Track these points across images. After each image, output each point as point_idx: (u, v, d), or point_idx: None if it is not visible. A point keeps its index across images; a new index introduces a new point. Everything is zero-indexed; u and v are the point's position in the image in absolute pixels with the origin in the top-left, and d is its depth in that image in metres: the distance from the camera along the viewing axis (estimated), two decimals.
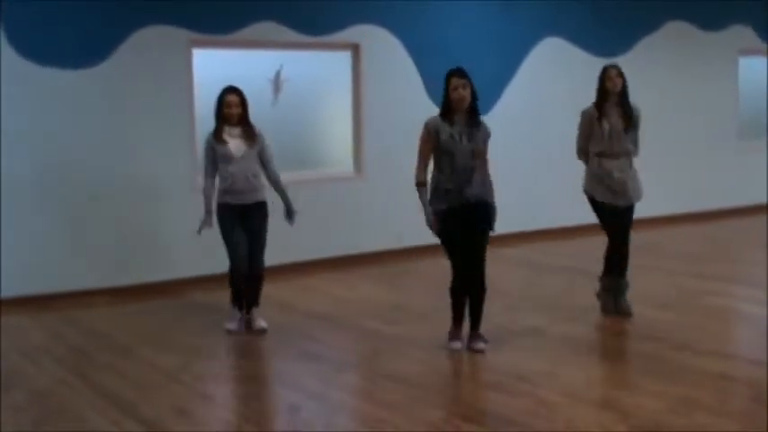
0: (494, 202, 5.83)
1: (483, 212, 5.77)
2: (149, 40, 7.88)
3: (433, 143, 5.76)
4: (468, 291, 5.92)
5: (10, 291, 7.34)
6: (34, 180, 7.46)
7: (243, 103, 6.44)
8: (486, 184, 5.81)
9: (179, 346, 6.29)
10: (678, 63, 11.50)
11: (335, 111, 9.08)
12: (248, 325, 6.54)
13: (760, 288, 7.46)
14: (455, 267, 5.88)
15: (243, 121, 6.43)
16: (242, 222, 6.46)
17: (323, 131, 8.98)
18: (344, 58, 9.11)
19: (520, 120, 9.82)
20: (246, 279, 6.52)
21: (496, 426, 4.59)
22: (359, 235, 8.47)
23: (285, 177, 8.06)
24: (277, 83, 8.61)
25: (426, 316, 6.71)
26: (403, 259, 8.75)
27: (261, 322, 6.52)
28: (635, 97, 10.98)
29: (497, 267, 7.80)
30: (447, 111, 5.77)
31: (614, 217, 6.56)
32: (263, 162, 6.56)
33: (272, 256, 8.44)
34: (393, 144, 8.57)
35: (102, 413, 4.87)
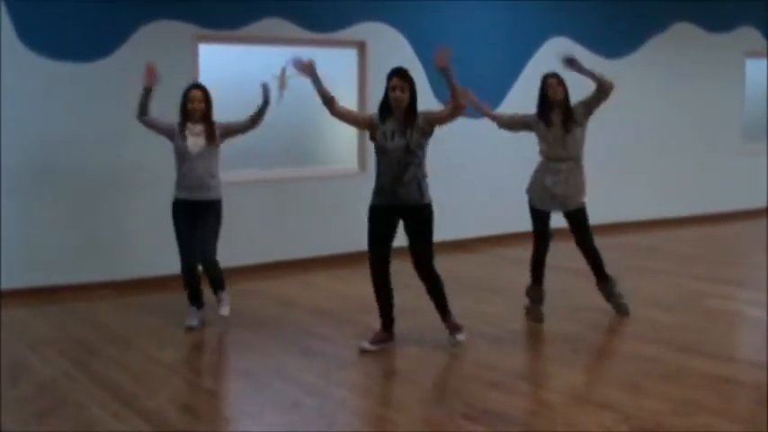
0: (429, 202, 5.87)
1: (416, 211, 5.83)
2: (156, 35, 7.90)
3: (367, 127, 5.92)
4: (426, 288, 6.00)
5: (14, 283, 7.37)
6: (39, 172, 7.48)
7: (206, 99, 6.45)
8: (420, 184, 5.83)
9: (180, 340, 6.31)
10: (684, 64, 11.50)
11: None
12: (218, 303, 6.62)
13: (762, 291, 7.46)
14: (371, 267, 5.96)
15: (205, 118, 6.43)
16: (194, 220, 6.47)
17: (328, 128, 8.97)
18: (351, 55, 9.12)
19: None
20: (203, 269, 6.57)
21: (497, 425, 4.59)
22: (362, 232, 8.48)
23: (291, 173, 8.10)
24: (282, 79, 8.59)
25: (427, 314, 6.70)
26: (405, 257, 8.75)
27: (223, 309, 6.58)
28: (640, 98, 11.06)
29: (497, 267, 7.84)
30: (385, 109, 5.82)
31: (539, 222, 6.59)
32: (237, 130, 6.54)
33: (274, 253, 8.51)
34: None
35: (105, 406, 4.88)
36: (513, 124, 6.77)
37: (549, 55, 10.25)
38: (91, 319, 6.85)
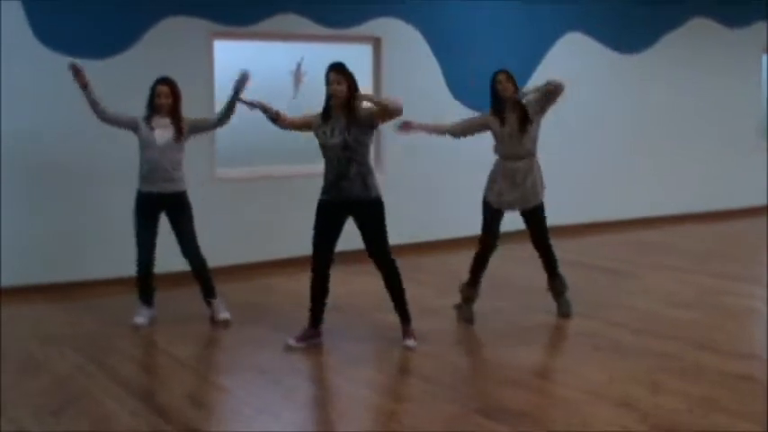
0: (377, 196, 5.85)
1: (364, 206, 5.83)
2: (171, 32, 7.90)
3: (309, 127, 5.91)
4: (385, 283, 5.97)
5: (29, 279, 7.39)
6: (54, 169, 7.49)
7: (174, 94, 6.44)
8: (366, 179, 5.81)
9: (195, 335, 6.31)
10: (700, 60, 11.44)
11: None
12: (211, 318, 6.59)
13: None
14: (312, 262, 5.97)
15: (172, 113, 6.43)
16: (158, 213, 6.50)
17: None
18: (366, 51, 9.10)
19: None
20: (192, 273, 6.61)
21: (514, 422, 4.56)
22: None
23: (305, 170, 8.08)
24: (298, 75, 8.60)
25: (439, 311, 6.69)
26: (417, 254, 8.74)
27: (223, 313, 6.56)
28: (655, 94, 11.01)
29: (510, 264, 7.81)
30: (327, 108, 5.82)
31: (495, 222, 6.50)
32: (204, 128, 6.63)
33: (287, 249, 8.49)
34: (413, 138, 8.54)
35: (119, 401, 4.89)
36: (469, 129, 6.60)
37: (566, 50, 10.24)
38: (105, 314, 6.86)
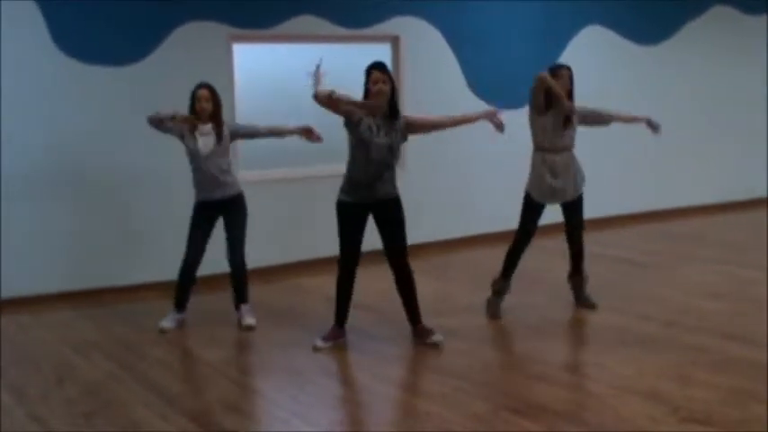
0: (397, 194, 5.91)
1: (388, 205, 5.85)
2: (190, 37, 7.93)
3: (350, 115, 5.73)
4: (397, 283, 5.98)
5: (59, 286, 7.45)
6: (80, 175, 7.54)
7: (214, 98, 6.46)
8: (394, 180, 5.87)
9: (225, 340, 6.33)
10: (723, 48, 11.35)
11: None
12: (238, 322, 6.60)
13: None
14: (343, 263, 5.96)
15: (214, 118, 6.44)
16: (212, 220, 6.55)
17: None
18: (384, 50, 9.09)
19: None
20: (230, 275, 6.62)
21: (546, 418, 4.55)
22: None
23: (329, 170, 8.10)
24: (317, 77, 8.60)
25: (469, 308, 6.69)
26: (445, 251, 8.73)
27: (249, 319, 6.56)
28: (679, 84, 10.93)
29: (540, 258, 7.78)
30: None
31: (534, 214, 6.51)
32: (245, 135, 6.65)
33: (314, 250, 8.50)
34: (434, 136, 8.54)
35: (151, 406, 4.91)
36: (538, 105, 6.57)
37: (585, 44, 10.19)
38: (135, 320, 6.90)
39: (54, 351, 6.12)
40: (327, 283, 7.66)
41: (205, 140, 6.44)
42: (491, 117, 6.13)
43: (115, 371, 5.60)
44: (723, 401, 4.65)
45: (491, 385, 5.20)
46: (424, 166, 9.04)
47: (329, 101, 5.60)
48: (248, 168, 8.21)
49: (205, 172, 6.45)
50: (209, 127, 6.45)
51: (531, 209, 6.53)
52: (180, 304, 6.65)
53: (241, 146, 7.79)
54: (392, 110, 5.77)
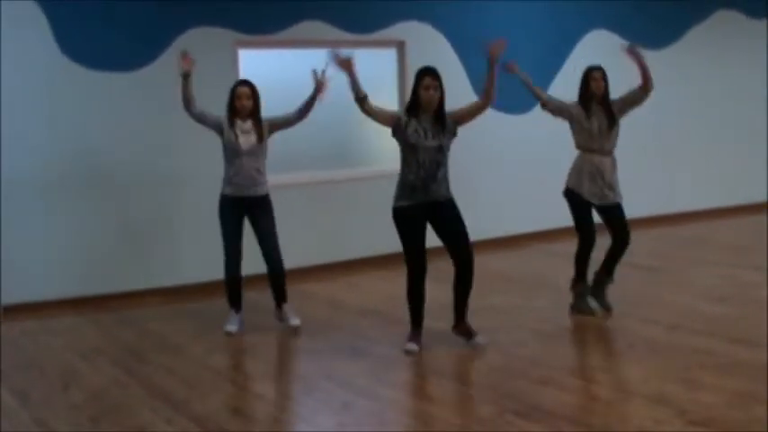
0: (452, 195, 5.90)
1: (445, 205, 5.85)
2: (195, 43, 7.92)
3: (392, 124, 5.84)
4: (460, 280, 5.95)
5: (65, 292, 7.46)
6: (85, 181, 7.56)
7: (254, 96, 6.43)
8: (447, 180, 5.88)
9: (230, 345, 6.34)
10: (728, 52, 11.33)
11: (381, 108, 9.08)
12: (278, 320, 6.60)
13: None
14: (411, 267, 5.89)
15: (253, 115, 6.42)
16: (243, 217, 6.50)
17: (368, 129, 8.97)
18: (390, 55, 9.11)
19: None
20: (268, 277, 6.59)
21: (550, 421, 4.54)
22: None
23: (331, 176, 8.09)
24: (322, 81, 8.61)
25: (473, 312, 6.68)
26: (449, 256, 8.71)
27: (294, 320, 6.54)
28: (683, 88, 10.92)
29: (545, 262, 7.78)
30: (414, 107, 5.82)
31: (586, 213, 6.55)
32: (282, 125, 6.56)
33: (319, 255, 8.52)
34: (468, 137, 8.63)
35: (156, 411, 4.92)
36: (558, 109, 6.71)
37: (590, 48, 10.18)
38: (140, 326, 6.91)
39: (59, 356, 6.14)
40: (330, 289, 7.69)
41: (246, 138, 6.41)
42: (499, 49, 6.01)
43: (121, 376, 5.61)
44: (728, 404, 4.64)
45: (496, 389, 5.19)
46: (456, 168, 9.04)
47: (345, 64, 5.85)
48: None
49: (242, 169, 6.41)
50: (249, 124, 6.41)
51: (581, 207, 6.57)
52: (235, 304, 6.61)
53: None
54: (440, 114, 5.79)
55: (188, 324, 6.93)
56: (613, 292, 6.87)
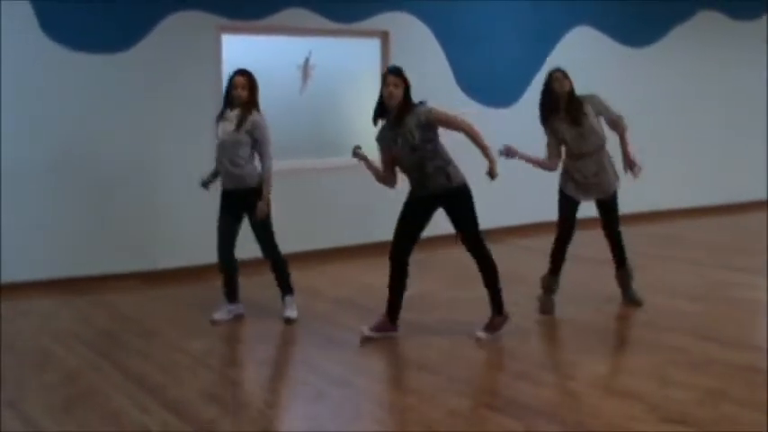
0: (459, 184, 5.82)
1: (449, 196, 5.81)
2: (178, 27, 7.91)
3: (388, 154, 5.90)
4: (480, 273, 5.96)
5: (40, 273, 7.42)
6: (63, 163, 7.51)
7: (250, 86, 6.24)
8: (446, 170, 5.80)
9: (206, 330, 6.33)
10: (709, 52, 11.41)
11: (364, 98, 9.05)
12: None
13: None
14: (395, 251, 5.91)
15: (245, 106, 6.22)
16: (232, 210, 6.38)
17: (351, 119, 8.98)
18: (373, 45, 9.10)
19: None
20: (271, 269, 6.55)
21: (522, 415, 4.57)
22: (386, 223, 8.50)
23: (314, 164, 8.05)
24: (306, 70, 8.61)
25: (449, 305, 6.71)
26: (428, 248, 8.72)
27: (289, 311, 6.49)
28: (665, 87, 10.98)
29: (521, 258, 7.81)
30: (381, 108, 5.83)
31: (570, 210, 6.53)
32: (256, 149, 6.28)
33: (298, 243, 8.51)
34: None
35: (131, 396, 4.91)
36: (557, 149, 6.55)
37: (573, 44, 10.22)
38: (116, 310, 6.89)
39: (34, 339, 6.11)
40: (310, 277, 7.69)
41: (224, 126, 6.25)
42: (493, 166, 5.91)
43: (95, 360, 5.59)
44: (700, 402, 4.69)
45: (471, 382, 5.23)
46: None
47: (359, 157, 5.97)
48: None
49: (219, 159, 6.31)
50: (235, 113, 6.22)
51: (567, 205, 6.56)
52: (229, 295, 6.54)
53: None
54: (406, 112, 5.75)
55: (164, 309, 6.91)
56: (588, 288, 6.92)
